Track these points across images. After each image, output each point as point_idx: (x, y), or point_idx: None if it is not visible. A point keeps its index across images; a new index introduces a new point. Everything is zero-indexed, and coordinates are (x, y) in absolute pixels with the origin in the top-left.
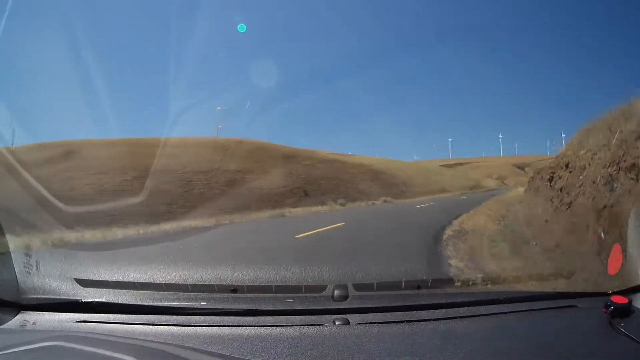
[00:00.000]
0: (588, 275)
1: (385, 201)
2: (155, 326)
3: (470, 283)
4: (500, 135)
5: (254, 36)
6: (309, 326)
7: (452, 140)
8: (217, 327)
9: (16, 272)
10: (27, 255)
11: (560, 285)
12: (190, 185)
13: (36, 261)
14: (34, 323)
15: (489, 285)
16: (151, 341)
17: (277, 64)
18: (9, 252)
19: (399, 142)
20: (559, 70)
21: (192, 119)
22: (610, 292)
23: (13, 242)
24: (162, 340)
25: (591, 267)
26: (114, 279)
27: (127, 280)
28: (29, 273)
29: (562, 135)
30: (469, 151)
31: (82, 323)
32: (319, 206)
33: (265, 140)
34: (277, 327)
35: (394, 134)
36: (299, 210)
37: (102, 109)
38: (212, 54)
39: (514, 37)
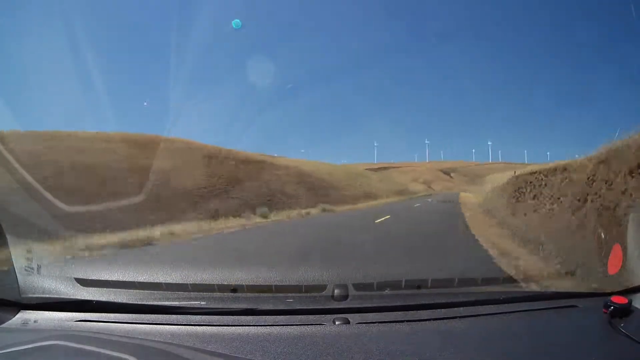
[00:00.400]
0: (588, 275)
1: (324, 210)
2: (156, 325)
3: (471, 283)
4: (426, 141)
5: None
6: (309, 326)
7: (377, 145)
8: (217, 327)
9: (16, 271)
10: (27, 254)
11: (560, 285)
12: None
13: (36, 262)
14: (34, 322)
15: (489, 285)
16: (151, 340)
17: (205, 60)
18: (9, 251)
19: (325, 144)
20: (485, 79)
21: (118, 113)
22: (610, 292)
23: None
24: (162, 340)
25: (591, 267)
26: (114, 278)
27: (127, 280)
28: (29, 272)
29: (489, 143)
30: (395, 155)
31: (83, 322)
32: (232, 219)
33: (191, 139)
34: (277, 327)
35: (320, 136)
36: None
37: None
38: (130, 47)
39: (440, 44)
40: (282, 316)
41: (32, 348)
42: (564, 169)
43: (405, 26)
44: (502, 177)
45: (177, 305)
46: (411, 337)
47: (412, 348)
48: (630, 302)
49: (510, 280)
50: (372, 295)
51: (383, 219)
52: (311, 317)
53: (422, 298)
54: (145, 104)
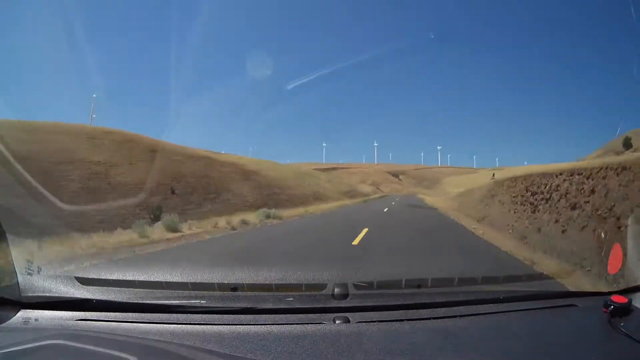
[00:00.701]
0: (588, 275)
1: (268, 217)
2: (156, 324)
3: (471, 282)
4: (375, 143)
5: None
6: (309, 324)
7: (326, 145)
8: (217, 326)
9: (17, 270)
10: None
11: (560, 285)
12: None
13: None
14: (35, 321)
15: (489, 285)
16: (152, 339)
17: (148, 51)
18: (10, 250)
19: (273, 143)
20: (436, 85)
21: (65, 104)
22: (610, 291)
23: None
24: (162, 339)
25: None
26: (114, 277)
27: (127, 279)
28: (30, 271)
29: (438, 148)
30: (344, 156)
31: (83, 321)
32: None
33: (136, 133)
34: (277, 326)
35: (268, 135)
36: None
37: None
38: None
39: (392, 49)
40: (282, 315)
41: (32, 347)
42: (571, 173)
43: (358, 28)
44: (468, 181)
45: (178, 304)
46: (411, 336)
47: (412, 347)
48: (630, 302)
49: (510, 279)
50: (372, 294)
51: (361, 236)
52: (311, 316)
53: (422, 297)
54: (94, 95)
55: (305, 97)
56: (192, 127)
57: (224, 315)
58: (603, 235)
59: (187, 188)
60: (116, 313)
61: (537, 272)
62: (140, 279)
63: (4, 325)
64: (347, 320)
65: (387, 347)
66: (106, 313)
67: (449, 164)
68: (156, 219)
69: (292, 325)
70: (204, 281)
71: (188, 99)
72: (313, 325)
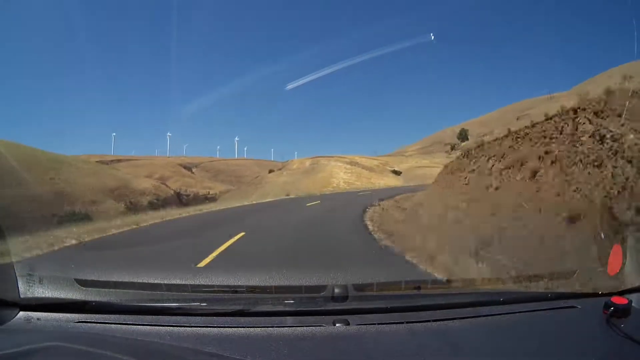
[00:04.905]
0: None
1: None
2: (155, 327)
3: (470, 284)
4: (168, 134)
5: None
6: (309, 327)
7: (115, 135)
8: (216, 328)
9: (16, 271)
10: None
11: (560, 286)
12: None
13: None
14: (34, 323)
15: (489, 286)
16: (151, 342)
17: None
18: (9, 251)
19: (47, 130)
20: (228, 76)
21: None
22: (610, 293)
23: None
24: (162, 341)
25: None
26: (114, 279)
27: (127, 281)
28: (29, 273)
29: (236, 139)
30: (138, 149)
31: (82, 323)
32: None
33: None
34: (277, 328)
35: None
36: None
37: None
38: None
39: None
40: (282, 317)
41: (31, 349)
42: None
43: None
44: (311, 182)
45: (177, 307)
46: (411, 338)
47: (412, 349)
48: (630, 303)
49: (510, 280)
50: (372, 296)
51: None
52: (311, 318)
53: (422, 299)
54: None
55: (91, 85)
56: None
57: (223, 317)
58: (602, 236)
59: None
60: (115, 315)
61: (536, 274)
62: (140, 281)
63: (3, 327)
64: (346, 323)
65: (387, 349)
66: (105, 315)
67: (245, 157)
68: None
69: (292, 327)
70: (204, 283)
71: None
72: (313, 328)
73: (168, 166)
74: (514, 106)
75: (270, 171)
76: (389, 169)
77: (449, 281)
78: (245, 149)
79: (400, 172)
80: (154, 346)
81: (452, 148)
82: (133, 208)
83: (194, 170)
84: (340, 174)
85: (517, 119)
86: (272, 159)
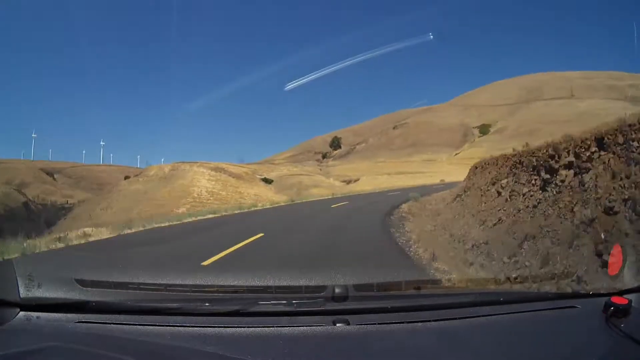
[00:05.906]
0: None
1: None
2: (156, 327)
3: (470, 284)
4: (33, 134)
5: None
6: (309, 327)
7: None
8: (217, 328)
9: (16, 271)
10: (27, 254)
11: (560, 286)
12: None
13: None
14: (34, 323)
15: (489, 286)
16: (151, 342)
17: None
18: (9, 251)
19: None
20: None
21: None
22: (610, 292)
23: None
24: (162, 341)
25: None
26: (114, 279)
27: (127, 281)
28: (29, 273)
29: (102, 143)
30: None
31: (82, 323)
32: None
33: None
34: (277, 328)
35: None
36: None
37: None
38: None
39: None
40: (282, 317)
41: (31, 350)
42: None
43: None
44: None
45: (177, 306)
46: (411, 338)
47: (413, 349)
48: (630, 303)
49: (511, 280)
50: (372, 296)
51: None
52: (311, 318)
53: (423, 299)
54: None
55: None
56: None
57: (223, 317)
58: (603, 236)
59: None
60: (116, 315)
61: (537, 274)
62: (140, 281)
63: (3, 327)
64: (347, 323)
65: (387, 349)
66: (106, 315)
67: (111, 163)
68: None
69: (292, 327)
70: (204, 283)
71: None
72: (313, 327)
73: (30, 171)
74: (390, 116)
75: (126, 177)
76: (259, 177)
77: (449, 281)
78: (111, 155)
79: (272, 181)
80: (154, 346)
81: (324, 156)
82: None
83: (55, 176)
84: (203, 182)
85: (394, 127)
86: (138, 166)
